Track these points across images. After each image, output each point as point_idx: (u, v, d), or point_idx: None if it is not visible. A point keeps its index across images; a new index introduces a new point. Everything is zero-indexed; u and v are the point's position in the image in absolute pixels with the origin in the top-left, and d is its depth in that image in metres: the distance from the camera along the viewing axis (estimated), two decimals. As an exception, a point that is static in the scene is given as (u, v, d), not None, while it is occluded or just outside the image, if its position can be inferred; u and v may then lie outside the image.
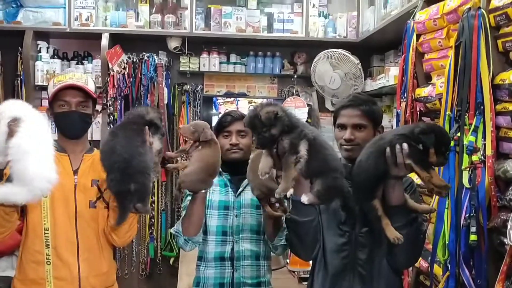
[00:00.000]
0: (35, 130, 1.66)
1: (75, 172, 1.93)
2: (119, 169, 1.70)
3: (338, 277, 1.74)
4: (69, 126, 1.92)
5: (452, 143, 1.79)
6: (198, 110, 3.76)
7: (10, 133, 1.59)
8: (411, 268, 2.50)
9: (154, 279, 3.83)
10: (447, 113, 1.84)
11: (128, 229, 1.93)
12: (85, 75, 2.03)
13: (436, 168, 1.91)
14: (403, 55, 2.45)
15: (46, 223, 1.85)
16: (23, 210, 1.87)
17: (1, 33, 3.42)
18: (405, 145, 1.48)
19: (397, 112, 2.51)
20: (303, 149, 1.58)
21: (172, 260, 3.75)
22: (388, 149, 1.52)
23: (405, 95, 2.41)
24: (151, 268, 3.79)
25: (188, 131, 1.89)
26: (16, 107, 1.68)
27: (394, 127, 2.66)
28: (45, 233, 1.84)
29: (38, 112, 1.70)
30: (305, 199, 1.61)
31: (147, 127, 1.78)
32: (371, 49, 3.71)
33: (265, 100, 3.69)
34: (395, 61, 3.34)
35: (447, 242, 1.85)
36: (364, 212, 1.69)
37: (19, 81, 3.44)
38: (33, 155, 1.61)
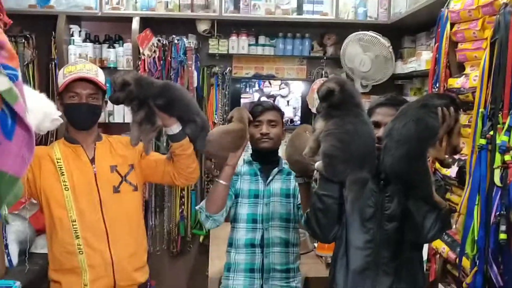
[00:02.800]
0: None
1: (92, 161, 1.98)
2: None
3: (361, 275, 1.75)
4: (79, 118, 1.96)
5: (484, 141, 1.78)
6: (226, 93, 3.78)
7: None
8: (438, 256, 2.53)
9: (185, 256, 3.95)
10: (480, 110, 1.82)
11: (196, 165, 2.03)
12: (95, 66, 2.04)
13: (468, 165, 1.93)
14: (436, 44, 2.41)
15: (72, 215, 1.91)
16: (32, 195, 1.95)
17: (34, 18, 3.47)
18: (451, 109, 1.58)
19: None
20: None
21: (201, 238, 3.85)
22: (440, 109, 1.57)
23: (437, 85, 2.39)
24: (181, 245, 3.90)
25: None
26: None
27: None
28: (73, 225, 1.91)
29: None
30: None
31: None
32: (402, 30, 3.64)
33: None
34: (427, 44, 3.29)
35: (476, 238, 1.86)
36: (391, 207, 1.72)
37: (53, 65, 3.51)
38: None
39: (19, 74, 1.17)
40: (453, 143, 1.64)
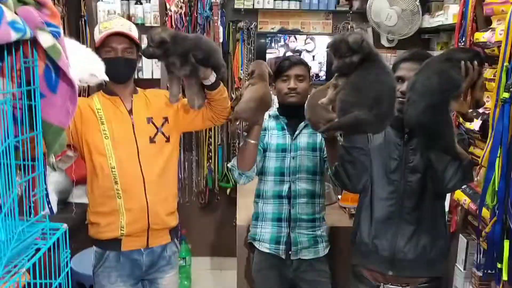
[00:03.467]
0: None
1: (130, 112, 2.09)
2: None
3: (384, 224, 1.83)
4: (116, 71, 2.01)
5: (507, 95, 1.80)
6: (252, 48, 3.81)
7: None
8: (460, 208, 2.59)
9: (212, 207, 4.12)
10: (505, 64, 1.83)
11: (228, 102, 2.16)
12: (129, 22, 2.12)
13: (491, 118, 1.96)
14: (464, -2, 2.39)
15: (112, 162, 2.03)
16: (73, 146, 2.07)
17: (64, -25, 3.53)
18: (475, 63, 1.60)
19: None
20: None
21: (228, 191, 3.99)
22: (463, 63, 1.60)
23: (464, 39, 2.38)
24: (209, 197, 4.06)
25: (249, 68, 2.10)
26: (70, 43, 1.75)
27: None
28: (112, 171, 2.02)
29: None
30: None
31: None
32: (430, -17, 3.58)
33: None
34: (455, -2, 3.23)
35: (496, 189, 1.91)
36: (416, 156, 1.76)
37: (82, 22, 3.59)
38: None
39: (61, 31, 1.25)
40: (476, 96, 1.67)
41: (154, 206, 2.07)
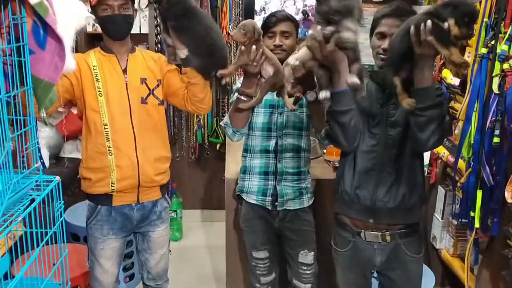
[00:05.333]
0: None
1: (124, 71, 2.11)
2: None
3: (366, 175, 1.88)
4: (114, 28, 2.05)
5: (485, 50, 1.85)
6: (240, 2, 3.77)
7: None
8: (439, 161, 2.68)
9: (202, 162, 4.18)
10: (484, 19, 1.87)
11: (210, 95, 2.18)
12: None
13: (469, 73, 2.01)
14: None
15: (105, 119, 2.06)
16: (71, 102, 2.08)
17: None
18: (428, 22, 1.48)
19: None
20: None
21: (218, 146, 4.05)
22: (412, 27, 1.53)
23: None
24: (199, 152, 4.12)
25: (240, 35, 1.87)
26: None
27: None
28: (104, 128, 2.06)
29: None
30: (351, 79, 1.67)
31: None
32: None
33: None
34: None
35: (472, 142, 1.98)
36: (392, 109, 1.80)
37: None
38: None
39: (49, -13, 1.26)
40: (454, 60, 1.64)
41: (144, 165, 2.12)
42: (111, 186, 2.10)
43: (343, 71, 1.68)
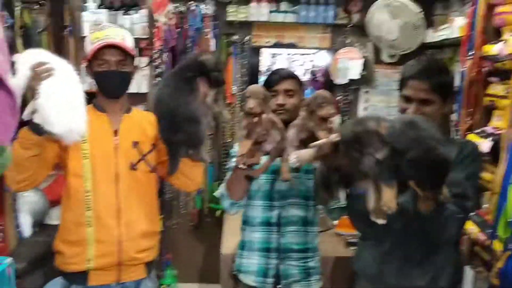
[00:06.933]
0: (66, 76, 1.60)
1: (115, 132, 1.92)
2: (167, 120, 1.68)
3: (391, 250, 1.70)
4: (109, 86, 1.89)
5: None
6: (245, 62, 3.63)
7: (36, 78, 1.52)
8: (466, 237, 2.39)
9: (202, 230, 3.93)
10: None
11: (200, 172, 1.95)
12: (123, 30, 1.94)
13: (503, 140, 1.76)
14: (472, 7, 2.22)
15: (88, 185, 1.85)
16: (58, 165, 1.89)
17: (48, -17, 3.37)
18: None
19: (461, 71, 2.31)
20: None
21: (218, 212, 3.78)
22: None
23: (472, 52, 2.20)
24: (198, 219, 3.87)
25: (257, 105, 1.72)
26: (41, 54, 1.61)
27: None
28: (86, 196, 1.85)
29: (65, 61, 1.64)
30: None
31: (198, 78, 1.70)
32: (433, -4, 3.42)
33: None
34: (461, 10, 3.05)
35: (509, 219, 1.72)
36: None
37: (66, 32, 3.41)
38: (64, 104, 1.56)
39: (0, 31, 1.05)
40: None
41: (126, 241, 1.89)
42: (87, 263, 1.86)
43: None
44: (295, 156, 1.66)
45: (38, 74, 1.53)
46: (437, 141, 1.29)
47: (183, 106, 1.65)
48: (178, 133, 1.69)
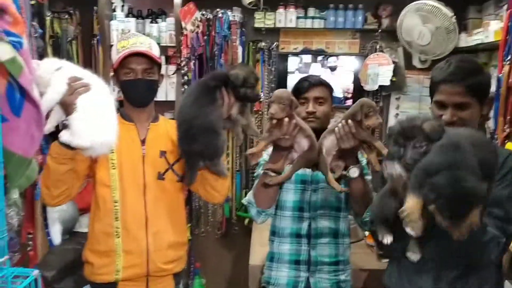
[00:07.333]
0: (99, 90, 1.59)
1: (143, 142, 1.89)
2: (183, 130, 1.65)
3: (424, 265, 1.59)
4: (136, 94, 1.88)
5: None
6: (273, 69, 3.59)
7: (73, 92, 1.50)
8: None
9: (230, 238, 3.86)
10: None
11: (226, 182, 1.91)
12: (149, 39, 1.93)
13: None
14: (509, 10, 2.12)
15: (116, 195, 1.84)
16: (89, 175, 1.87)
17: (77, -7, 3.41)
18: None
19: (498, 77, 2.21)
20: None
21: (247, 221, 3.73)
22: None
23: (509, 57, 2.10)
24: (226, 227, 3.81)
25: (280, 111, 1.67)
26: (75, 68, 1.59)
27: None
28: (114, 206, 1.84)
29: (97, 76, 1.63)
30: None
31: (221, 89, 1.66)
32: (466, -1, 3.31)
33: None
34: (496, 13, 2.95)
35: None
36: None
37: (95, 41, 3.44)
38: (98, 117, 1.54)
39: (25, 41, 1.04)
40: None
41: (154, 252, 1.86)
42: (116, 274, 1.84)
43: None
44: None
45: (75, 89, 1.51)
46: (472, 171, 1.21)
47: (201, 116, 1.61)
48: (194, 143, 1.64)
